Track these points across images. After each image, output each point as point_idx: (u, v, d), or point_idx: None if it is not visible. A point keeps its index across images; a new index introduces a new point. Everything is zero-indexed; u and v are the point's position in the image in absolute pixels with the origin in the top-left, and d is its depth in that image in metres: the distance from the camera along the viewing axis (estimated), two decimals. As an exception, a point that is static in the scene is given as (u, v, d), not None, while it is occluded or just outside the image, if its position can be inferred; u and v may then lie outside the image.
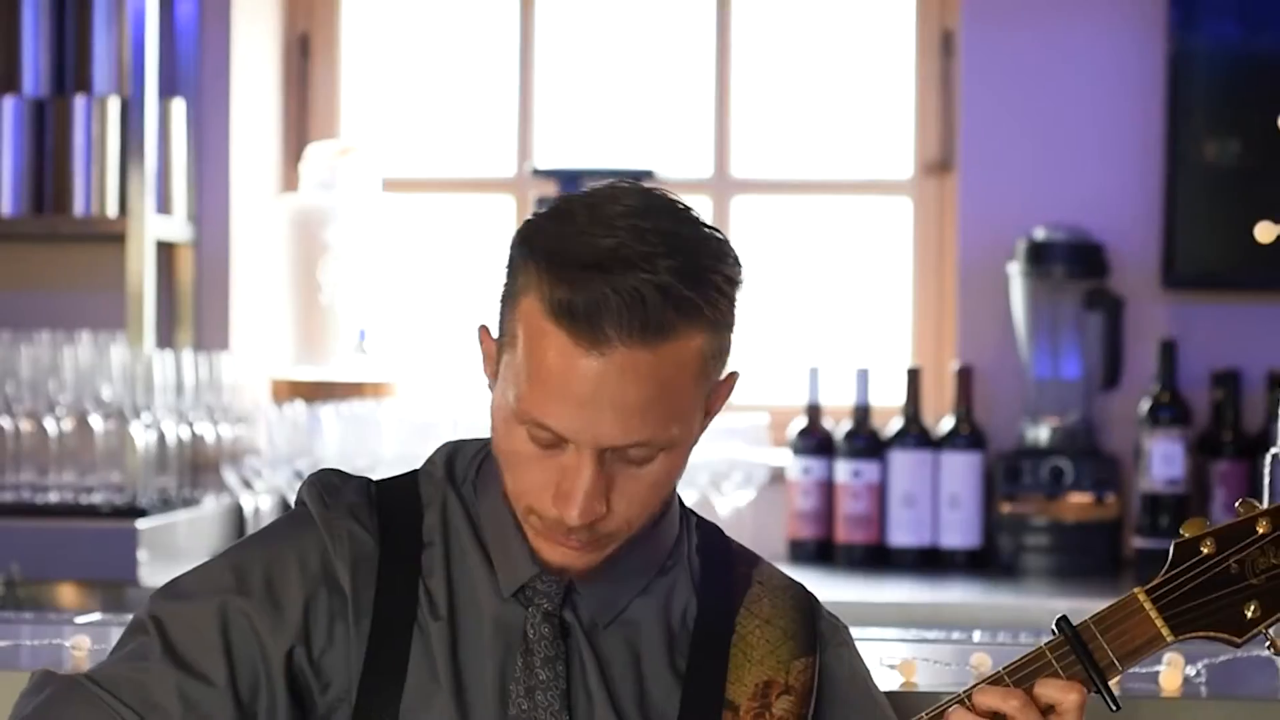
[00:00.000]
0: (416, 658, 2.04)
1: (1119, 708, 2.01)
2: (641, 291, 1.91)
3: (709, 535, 2.17)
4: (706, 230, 1.99)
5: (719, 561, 2.15)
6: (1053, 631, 2.01)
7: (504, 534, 2.08)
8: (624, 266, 1.92)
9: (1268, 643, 2.04)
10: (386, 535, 2.08)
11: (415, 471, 2.14)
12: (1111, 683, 2.00)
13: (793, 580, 2.17)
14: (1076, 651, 1.99)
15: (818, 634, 2.13)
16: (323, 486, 2.10)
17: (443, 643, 2.05)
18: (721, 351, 2.00)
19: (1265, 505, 2.03)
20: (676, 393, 1.96)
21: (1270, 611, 2.00)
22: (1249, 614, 1.99)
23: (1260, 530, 2.00)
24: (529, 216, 2.05)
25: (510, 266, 2.02)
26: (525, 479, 2.00)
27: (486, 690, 2.04)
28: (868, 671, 2.18)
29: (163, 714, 2.00)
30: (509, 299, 2.00)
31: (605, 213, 1.97)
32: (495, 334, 2.04)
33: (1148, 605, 2.00)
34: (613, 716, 2.05)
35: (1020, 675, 2.00)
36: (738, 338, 2.03)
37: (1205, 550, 2.01)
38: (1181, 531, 2.02)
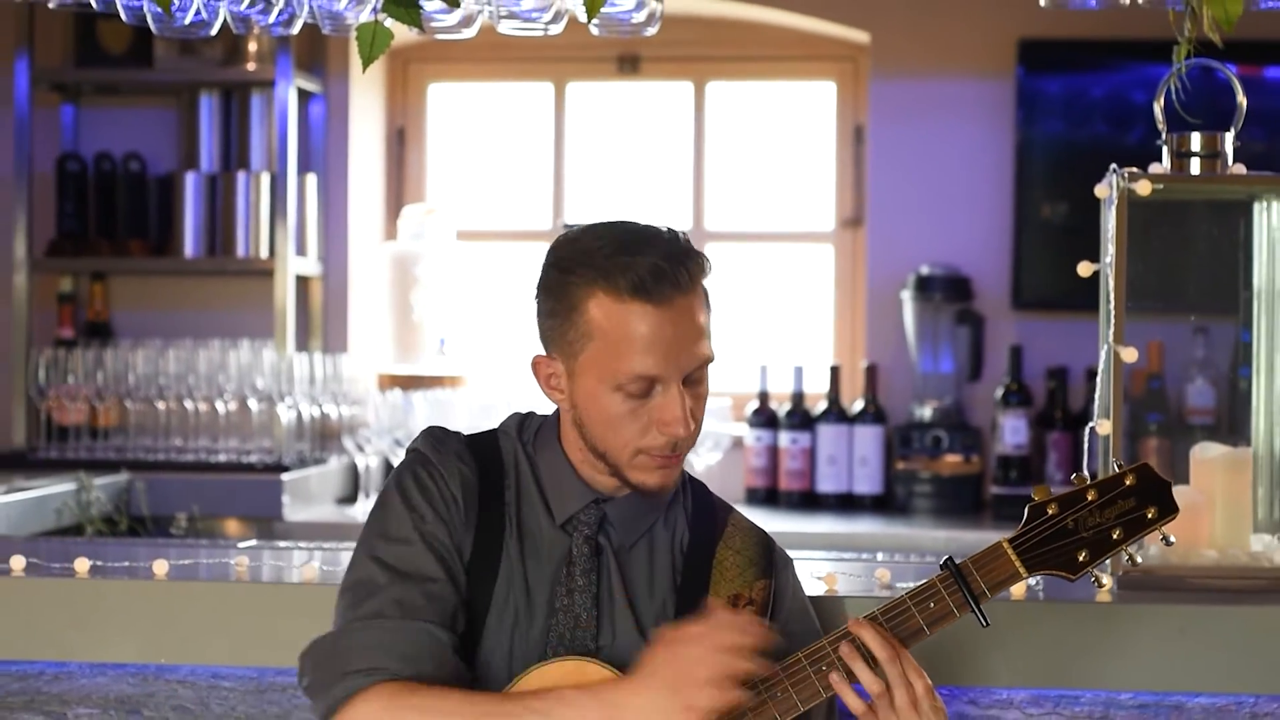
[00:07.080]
0: (503, 561, 2.07)
1: (989, 624, 2.02)
2: (674, 259, 2.01)
3: (698, 488, 2.20)
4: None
5: (705, 506, 2.18)
6: (941, 568, 2.02)
7: (559, 480, 2.10)
8: (649, 245, 2.02)
9: (1093, 578, 2.06)
10: (482, 473, 2.10)
11: (494, 430, 2.17)
12: (983, 606, 2.01)
13: (755, 524, 2.20)
14: (959, 582, 2.01)
15: (773, 563, 2.15)
16: (434, 439, 2.13)
17: (516, 555, 2.08)
18: (709, 296, 2.08)
19: (1095, 479, 2.03)
20: (705, 322, 2.05)
21: (1095, 556, 2.01)
22: (1080, 558, 2.01)
23: (1089, 498, 2.02)
24: (552, 260, 2.08)
25: (557, 294, 2.04)
26: (627, 431, 2.03)
27: (543, 590, 2.08)
28: (804, 591, 2.20)
29: (417, 610, 2.01)
30: (567, 314, 2.03)
31: (608, 228, 2.07)
32: (555, 354, 2.06)
33: (1009, 551, 2.01)
34: (629, 612, 2.08)
35: (919, 600, 2.01)
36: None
37: (1051, 511, 2.01)
38: (1033, 496, 2.03)
